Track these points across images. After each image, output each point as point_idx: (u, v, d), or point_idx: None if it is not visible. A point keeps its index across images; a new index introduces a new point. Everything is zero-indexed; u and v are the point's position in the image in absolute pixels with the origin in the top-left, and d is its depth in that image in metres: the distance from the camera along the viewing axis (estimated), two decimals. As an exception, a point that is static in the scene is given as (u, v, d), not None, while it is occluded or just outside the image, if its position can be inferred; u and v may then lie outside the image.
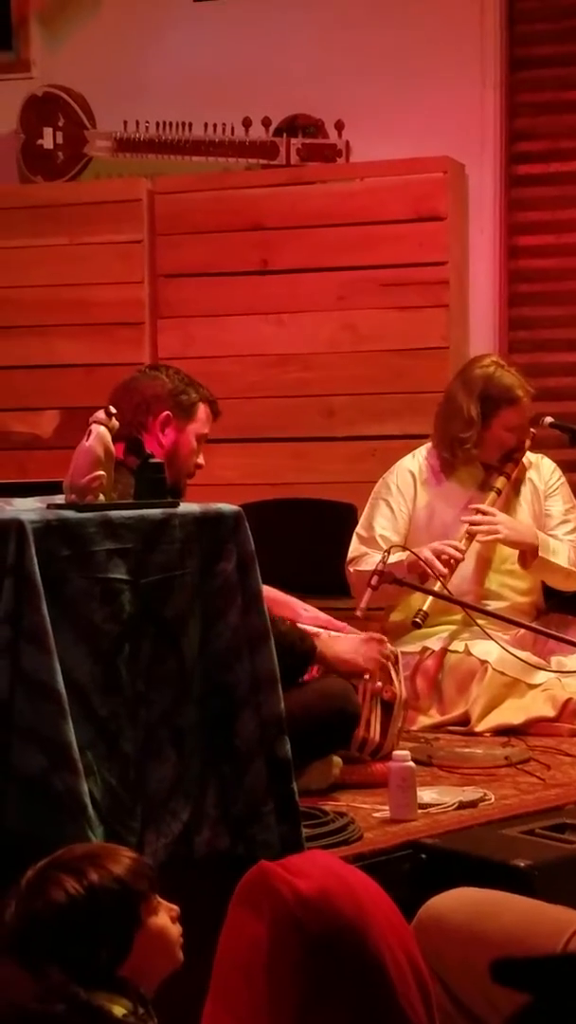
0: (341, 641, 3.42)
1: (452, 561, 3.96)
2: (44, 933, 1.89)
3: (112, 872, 1.93)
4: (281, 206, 4.90)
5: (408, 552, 3.95)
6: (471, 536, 4.03)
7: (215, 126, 5.02)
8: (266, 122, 4.97)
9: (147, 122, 5.08)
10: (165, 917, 1.97)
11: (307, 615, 3.55)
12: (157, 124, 5.08)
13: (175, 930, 1.98)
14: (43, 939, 1.89)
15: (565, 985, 1.59)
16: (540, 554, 4.06)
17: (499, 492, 4.14)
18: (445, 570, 3.93)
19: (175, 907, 2.00)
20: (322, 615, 3.63)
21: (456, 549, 3.97)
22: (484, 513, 4.05)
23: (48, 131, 5.18)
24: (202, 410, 3.44)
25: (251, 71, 5.10)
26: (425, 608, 3.92)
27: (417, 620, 3.93)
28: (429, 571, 3.92)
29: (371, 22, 5.02)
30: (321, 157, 4.95)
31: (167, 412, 3.37)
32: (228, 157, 5.03)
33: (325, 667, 3.34)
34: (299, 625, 3.36)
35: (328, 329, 4.86)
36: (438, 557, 3.94)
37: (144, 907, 1.94)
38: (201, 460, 3.46)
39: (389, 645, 3.54)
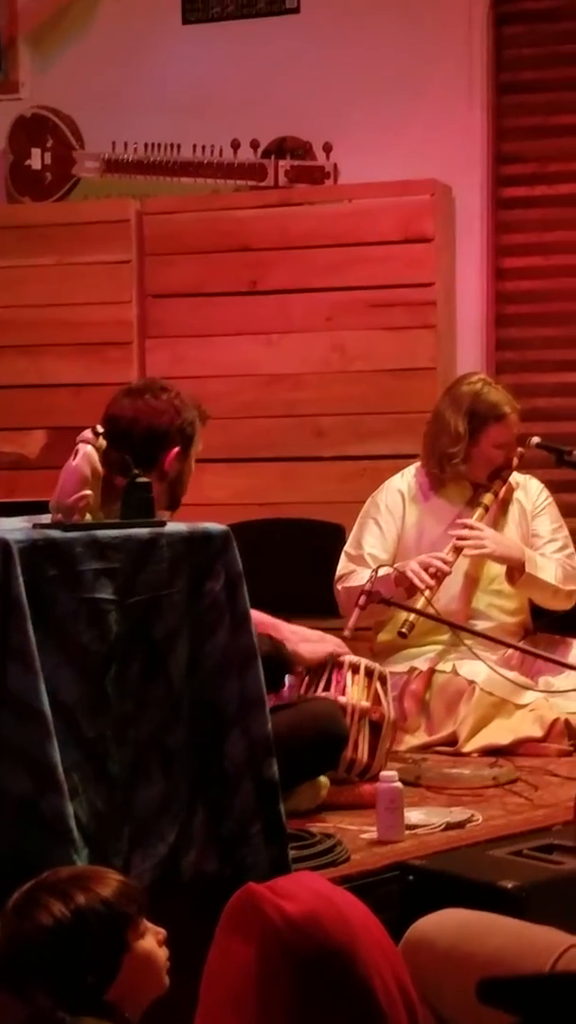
0: (299, 634, 3.47)
1: (439, 573, 3.96)
2: (30, 957, 1.88)
3: (99, 894, 1.91)
4: (269, 227, 4.91)
5: (394, 569, 3.96)
6: (458, 550, 4.03)
7: (203, 147, 5.03)
8: (254, 144, 4.99)
9: (135, 143, 5.09)
10: (152, 941, 1.96)
11: (294, 636, 3.56)
12: (145, 145, 5.09)
13: (162, 954, 1.97)
14: (29, 963, 1.88)
15: (551, 1005, 1.59)
16: (527, 570, 4.06)
17: (487, 508, 4.15)
18: (432, 581, 3.94)
19: (162, 930, 1.98)
20: (311, 634, 3.63)
21: (443, 561, 3.97)
22: (471, 528, 4.06)
23: (36, 152, 5.19)
24: (199, 433, 3.43)
25: (239, 93, 5.12)
26: (411, 618, 3.93)
27: (403, 631, 3.93)
28: (416, 582, 3.92)
29: (359, 45, 5.04)
30: (309, 179, 4.96)
31: (177, 448, 3.29)
32: (216, 178, 5.04)
33: (300, 664, 3.43)
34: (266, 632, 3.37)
35: (317, 349, 4.87)
36: (425, 569, 3.95)
37: (131, 931, 1.93)
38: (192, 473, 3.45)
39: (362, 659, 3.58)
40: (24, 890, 1.95)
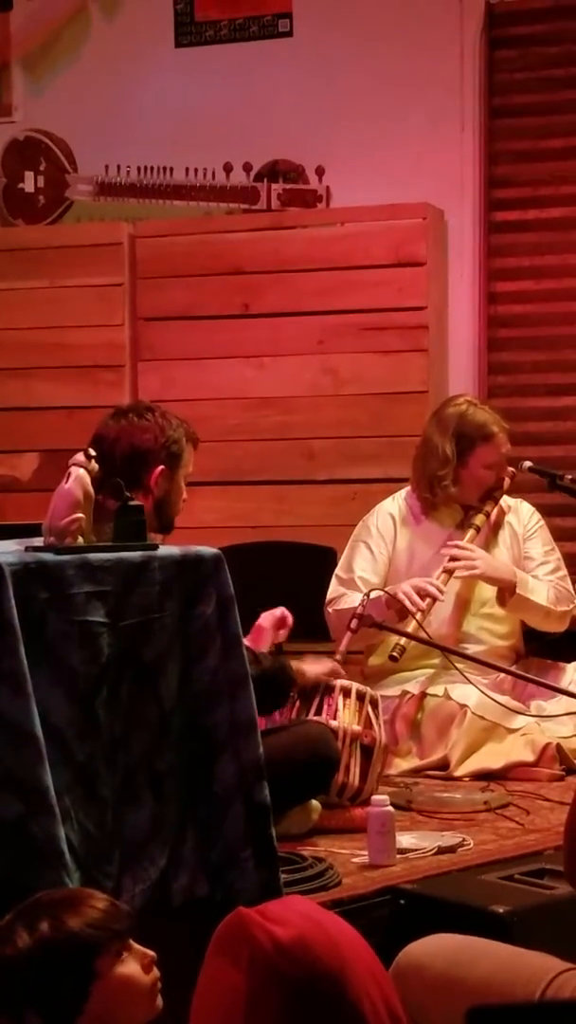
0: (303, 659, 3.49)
1: (430, 596, 3.96)
2: (7, 979, 1.88)
3: (65, 925, 1.90)
4: (262, 250, 4.92)
5: (385, 592, 3.96)
6: (449, 572, 4.03)
7: (196, 171, 5.05)
8: (247, 167, 5.00)
9: (128, 166, 5.11)
10: (134, 965, 1.93)
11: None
12: (138, 168, 5.10)
13: (147, 978, 1.95)
14: (8, 985, 1.88)
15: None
16: (518, 591, 4.06)
17: (478, 529, 4.15)
18: (423, 604, 3.94)
19: (150, 952, 1.97)
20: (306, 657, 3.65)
21: (434, 586, 3.97)
22: (462, 548, 4.06)
23: (30, 175, 5.20)
24: (188, 452, 3.41)
25: (232, 116, 5.14)
26: (402, 642, 3.92)
27: (394, 654, 3.93)
28: (407, 605, 3.92)
29: (352, 69, 5.07)
30: (302, 202, 4.97)
31: (162, 467, 3.30)
32: (209, 202, 5.05)
33: (304, 681, 3.43)
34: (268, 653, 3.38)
35: (309, 373, 4.88)
36: (417, 592, 3.95)
37: (102, 958, 1.91)
38: (185, 495, 3.44)
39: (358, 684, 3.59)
40: (15, 911, 1.94)
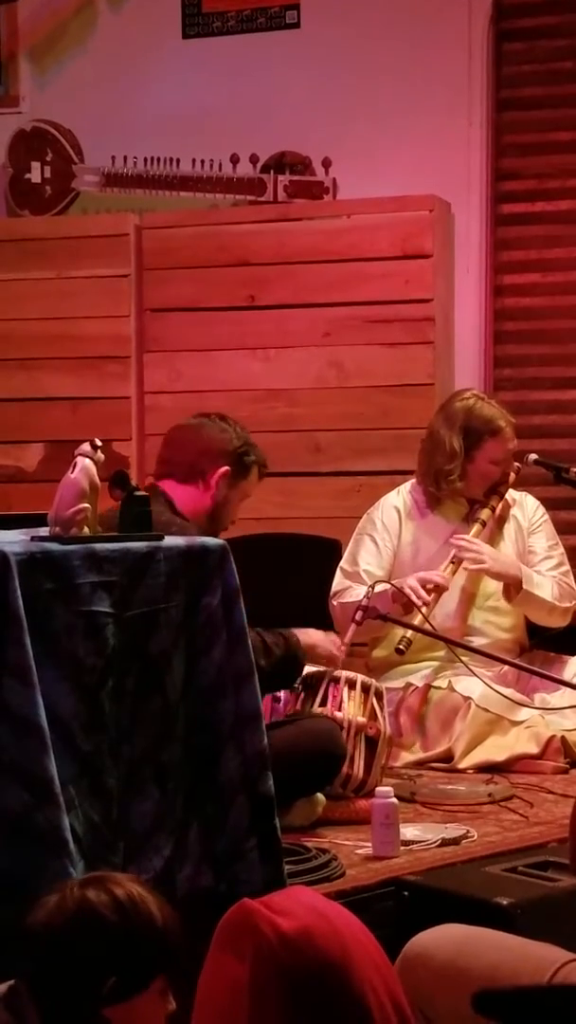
0: (306, 634, 3.49)
1: (437, 588, 3.96)
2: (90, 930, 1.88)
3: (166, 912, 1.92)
4: (268, 242, 4.91)
5: (391, 585, 3.95)
6: (456, 563, 4.03)
7: (203, 162, 5.04)
8: (253, 159, 5.00)
9: (135, 157, 5.10)
10: (163, 1008, 1.93)
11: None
12: (145, 160, 5.10)
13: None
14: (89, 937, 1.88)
15: (547, 1017, 1.58)
16: (524, 587, 4.06)
17: (484, 524, 4.15)
18: (429, 597, 3.93)
19: (174, 1005, 1.96)
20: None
21: (441, 576, 3.97)
22: (468, 543, 4.06)
23: (36, 165, 5.20)
24: (254, 472, 3.54)
25: (239, 108, 5.13)
26: (409, 635, 3.92)
27: (400, 647, 3.93)
28: (413, 598, 3.92)
29: (359, 61, 5.06)
30: (308, 194, 4.97)
31: (227, 467, 3.44)
32: (215, 193, 5.05)
33: (313, 658, 3.47)
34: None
35: (314, 365, 4.87)
36: (423, 585, 3.95)
37: (160, 977, 1.91)
38: (235, 518, 3.57)
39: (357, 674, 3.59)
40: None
